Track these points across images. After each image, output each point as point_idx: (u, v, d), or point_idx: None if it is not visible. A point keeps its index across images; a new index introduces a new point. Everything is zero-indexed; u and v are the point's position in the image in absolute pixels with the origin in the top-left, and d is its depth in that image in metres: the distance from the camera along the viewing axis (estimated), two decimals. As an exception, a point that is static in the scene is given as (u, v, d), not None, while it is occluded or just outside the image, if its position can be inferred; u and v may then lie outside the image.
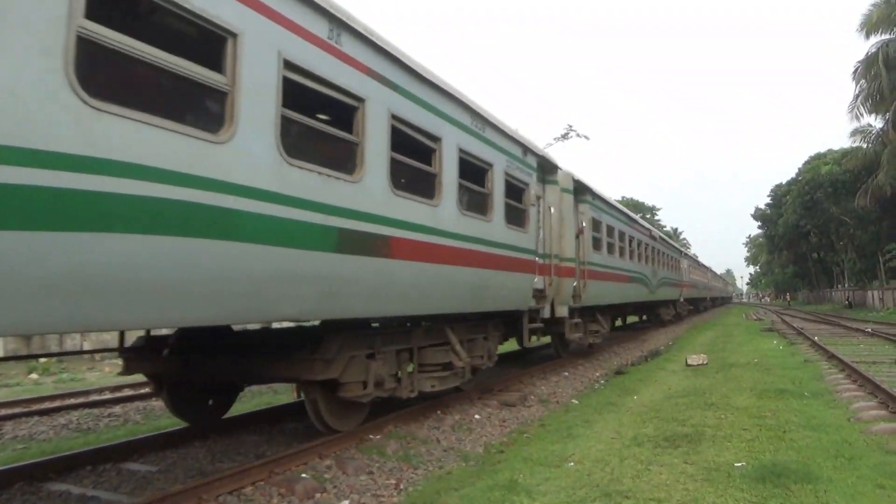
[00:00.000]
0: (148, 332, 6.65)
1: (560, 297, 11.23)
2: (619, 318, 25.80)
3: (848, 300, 51.61)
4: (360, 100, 5.69)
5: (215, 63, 4.19)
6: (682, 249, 34.75)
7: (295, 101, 4.91)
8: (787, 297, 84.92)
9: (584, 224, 13.11)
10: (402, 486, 5.44)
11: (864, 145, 39.79)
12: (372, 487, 5.34)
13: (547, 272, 10.62)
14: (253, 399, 10.14)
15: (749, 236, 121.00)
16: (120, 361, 6.93)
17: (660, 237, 24.92)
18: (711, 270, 60.02)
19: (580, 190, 13.25)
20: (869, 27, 33.87)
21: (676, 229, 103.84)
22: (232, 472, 5.09)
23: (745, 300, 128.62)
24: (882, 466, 5.26)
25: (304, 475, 5.33)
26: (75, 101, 3.19)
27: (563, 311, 11.38)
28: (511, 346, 12.22)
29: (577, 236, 12.54)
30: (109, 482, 5.47)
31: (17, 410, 9.14)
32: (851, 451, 5.80)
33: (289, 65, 4.78)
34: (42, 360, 14.62)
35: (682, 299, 30.75)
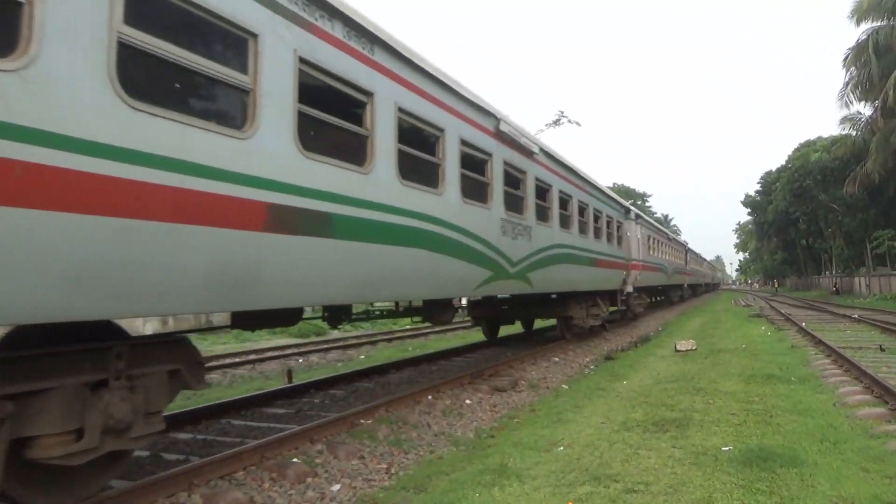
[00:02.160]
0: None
1: None
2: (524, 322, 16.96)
3: (835, 287, 52.07)
4: None
5: None
6: (633, 209, 21.50)
7: None
8: (775, 284, 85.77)
9: None
10: (393, 471, 5.48)
11: (854, 133, 40.06)
12: (363, 472, 5.37)
13: None
14: (244, 385, 10.17)
15: (738, 223, 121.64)
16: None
17: (562, 162, 12.52)
18: (692, 251, 47.54)
19: None
20: (860, 14, 33.94)
21: (667, 216, 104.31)
22: (223, 457, 5.10)
23: (734, 287, 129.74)
24: (866, 450, 5.34)
25: (295, 460, 5.36)
26: None
27: None
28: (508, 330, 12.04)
29: None
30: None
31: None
32: (837, 435, 5.88)
33: None
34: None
35: (630, 288, 19.56)
